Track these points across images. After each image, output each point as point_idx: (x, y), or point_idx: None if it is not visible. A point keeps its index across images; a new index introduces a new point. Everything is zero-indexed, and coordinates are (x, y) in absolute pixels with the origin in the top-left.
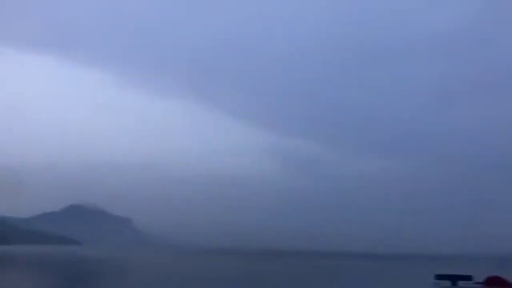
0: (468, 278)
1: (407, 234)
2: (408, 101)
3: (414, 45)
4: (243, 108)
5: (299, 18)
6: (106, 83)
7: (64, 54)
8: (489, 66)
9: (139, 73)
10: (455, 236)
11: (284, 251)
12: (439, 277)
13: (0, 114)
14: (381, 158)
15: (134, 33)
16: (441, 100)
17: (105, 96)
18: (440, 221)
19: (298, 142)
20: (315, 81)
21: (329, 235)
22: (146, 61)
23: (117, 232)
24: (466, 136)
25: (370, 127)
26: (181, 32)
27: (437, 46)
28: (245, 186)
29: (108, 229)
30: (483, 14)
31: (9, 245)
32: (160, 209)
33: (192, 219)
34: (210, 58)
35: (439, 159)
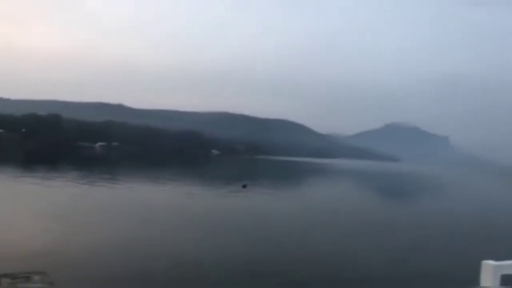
0: None
1: None
2: None
3: None
4: None
5: None
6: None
7: None
8: None
9: None
10: None
11: None
12: None
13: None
14: None
15: None
16: None
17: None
18: None
19: None
20: None
21: None
22: None
23: (434, 150)
24: None
25: None
26: None
27: None
28: None
29: (424, 147)
30: None
31: (334, 158)
32: (478, 126)
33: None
34: None
35: None
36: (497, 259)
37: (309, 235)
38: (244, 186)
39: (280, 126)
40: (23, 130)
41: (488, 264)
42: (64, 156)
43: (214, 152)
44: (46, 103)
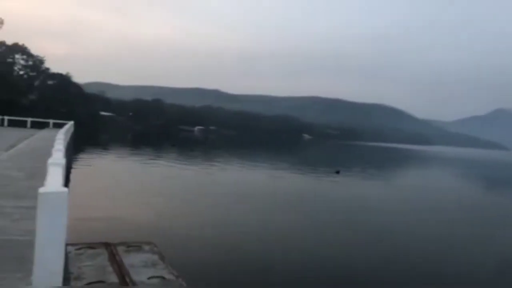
0: None
1: None
2: None
3: None
4: None
5: None
6: None
7: None
8: None
9: None
10: None
11: None
12: None
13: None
14: None
15: None
16: None
17: None
18: None
19: None
20: None
21: None
22: None
23: None
24: None
25: None
26: None
27: None
28: None
29: None
30: None
31: (432, 145)
32: None
33: None
34: None
35: None
36: None
37: (412, 224)
38: (337, 172)
39: (377, 111)
40: (130, 113)
41: None
42: (167, 138)
43: (306, 136)
44: (151, 88)
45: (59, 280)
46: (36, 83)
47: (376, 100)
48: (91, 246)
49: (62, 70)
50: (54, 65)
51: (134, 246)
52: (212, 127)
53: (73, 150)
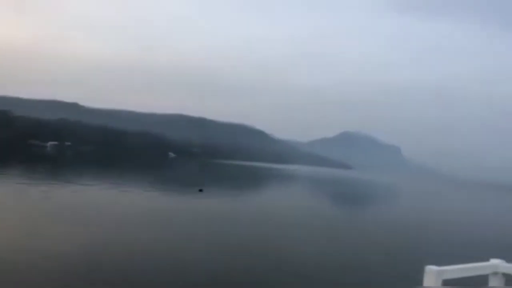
0: None
1: None
2: None
3: None
4: None
5: None
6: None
7: None
8: None
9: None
10: None
11: None
12: None
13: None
14: None
15: None
16: None
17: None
18: None
19: None
20: None
21: None
22: None
23: (386, 160)
24: None
25: None
26: None
27: None
28: None
29: (377, 156)
30: None
31: (291, 164)
32: (428, 138)
33: (459, 148)
34: None
35: None
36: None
37: (262, 239)
38: (200, 190)
39: (240, 130)
40: None
41: (431, 269)
42: (12, 154)
43: (171, 154)
44: None
45: None
46: None
47: (240, 120)
48: None
49: None
50: None
51: None
52: (68, 143)
53: None
